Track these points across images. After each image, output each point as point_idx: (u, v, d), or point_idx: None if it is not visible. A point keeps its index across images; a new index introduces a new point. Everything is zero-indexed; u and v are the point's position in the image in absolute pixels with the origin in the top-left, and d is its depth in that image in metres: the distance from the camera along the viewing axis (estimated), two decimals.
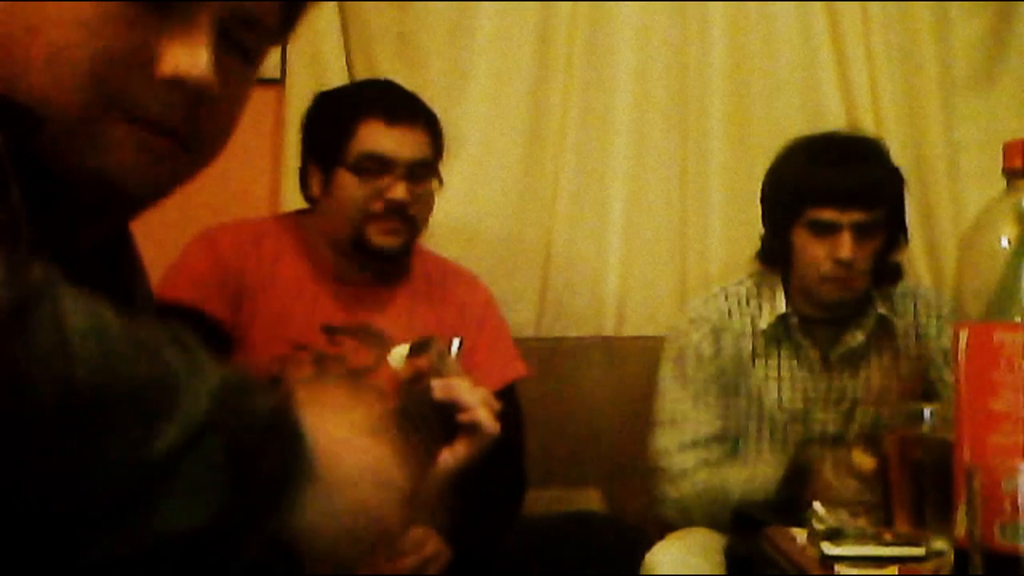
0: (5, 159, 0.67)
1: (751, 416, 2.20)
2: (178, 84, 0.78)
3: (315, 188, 2.05)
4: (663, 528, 2.11)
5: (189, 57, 0.78)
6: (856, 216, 2.08)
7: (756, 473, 2.10)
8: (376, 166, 1.99)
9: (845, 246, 2.08)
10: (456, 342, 1.66)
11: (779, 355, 2.21)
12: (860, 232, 2.09)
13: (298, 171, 2.11)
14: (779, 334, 2.20)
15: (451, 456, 1.61)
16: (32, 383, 0.55)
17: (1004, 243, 1.08)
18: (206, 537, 0.61)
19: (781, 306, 2.19)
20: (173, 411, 0.59)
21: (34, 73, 0.75)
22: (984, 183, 2.50)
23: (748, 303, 2.23)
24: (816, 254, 2.11)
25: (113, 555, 0.59)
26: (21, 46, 0.76)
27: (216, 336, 1.89)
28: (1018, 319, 1.06)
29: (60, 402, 0.56)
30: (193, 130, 0.81)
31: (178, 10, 0.78)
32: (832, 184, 2.10)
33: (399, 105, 2.05)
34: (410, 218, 2.01)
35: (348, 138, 2.00)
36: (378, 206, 1.98)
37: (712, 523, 2.09)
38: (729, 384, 2.21)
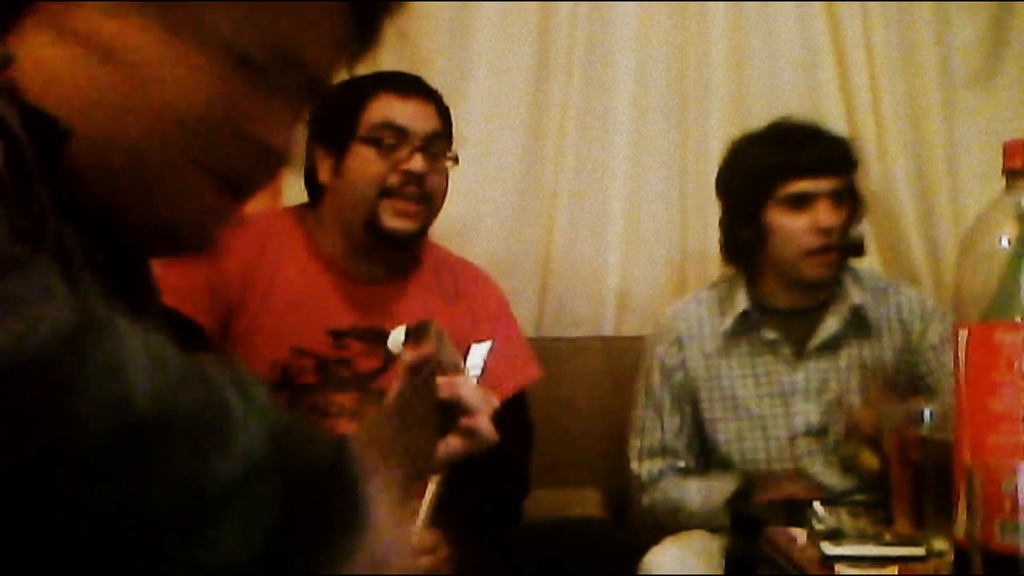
0: (32, 163, 0.67)
1: (728, 418, 2.21)
2: (272, 149, 0.82)
3: (324, 174, 2.01)
4: (661, 531, 2.10)
5: (283, 126, 0.82)
6: (831, 183, 2.13)
7: (713, 488, 2.11)
8: (392, 137, 1.96)
9: (827, 213, 2.11)
10: (486, 346, 1.65)
11: (751, 352, 2.21)
12: (835, 200, 2.14)
13: (303, 165, 2.04)
14: (745, 331, 2.21)
15: (444, 449, 1.61)
16: (87, 407, 0.54)
17: (1004, 243, 1.08)
18: (253, 571, 0.60)
19: (742, 304, 2.20)
20: (231, 445, 0.59)
21: (131, 124, 0.78)
22: (984, 183, 2.51)
23: (718, 305, 2.25)
24: (796, 228, 2.13)
25: None
26: (123, 96, 0.78)
27: (202, 343, 1.87)
28: (1018, 319, 1.06)
29: (115, 427, 0.55)
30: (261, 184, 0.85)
31: (273, 75, 0.81)
32: (805, 156, 2.14)
33: (408, 81, 2.06)
34: (427, 195, 1.98)
35: (361, 112, 1.97)
36: (395, 179, 1.95)
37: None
38: (699, 391, 2.22)
